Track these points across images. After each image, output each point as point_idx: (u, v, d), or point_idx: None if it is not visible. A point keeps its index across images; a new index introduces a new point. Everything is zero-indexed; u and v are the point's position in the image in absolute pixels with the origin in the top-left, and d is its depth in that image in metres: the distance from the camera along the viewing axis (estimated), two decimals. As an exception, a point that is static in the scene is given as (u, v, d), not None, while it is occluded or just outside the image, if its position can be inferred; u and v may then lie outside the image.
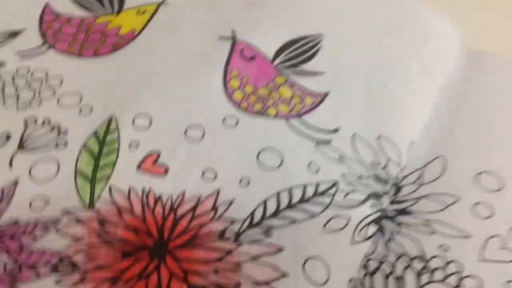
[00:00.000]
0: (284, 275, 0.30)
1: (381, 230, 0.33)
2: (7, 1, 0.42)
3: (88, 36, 0.40)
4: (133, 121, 0.35)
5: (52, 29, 0.40)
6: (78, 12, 0.41)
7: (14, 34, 0.39)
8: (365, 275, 0.31)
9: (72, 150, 0.34)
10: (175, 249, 0.31)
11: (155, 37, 0.40)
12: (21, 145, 0.34)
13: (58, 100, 0.36)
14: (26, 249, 0.30)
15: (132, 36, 0.40)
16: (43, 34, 0.40)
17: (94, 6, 0.42)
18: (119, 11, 0.42)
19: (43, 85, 0.37)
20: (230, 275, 0.30)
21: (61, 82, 0.37)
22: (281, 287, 0.30)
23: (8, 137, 0.34)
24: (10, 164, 0.33)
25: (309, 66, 0.39)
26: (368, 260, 0.31)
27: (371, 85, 0.37)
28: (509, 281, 0.30)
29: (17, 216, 0.31)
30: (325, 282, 0.30)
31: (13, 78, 0.37)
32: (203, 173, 0.33)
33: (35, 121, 0.35)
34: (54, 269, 0.29)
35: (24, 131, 0.35)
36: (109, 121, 0.35)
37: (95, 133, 0.35)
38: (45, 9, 0.41)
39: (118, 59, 0.38)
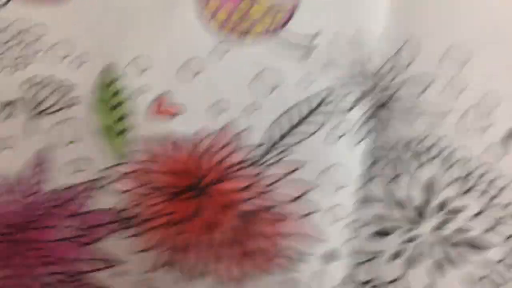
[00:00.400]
0: (312, 187, 0.35)
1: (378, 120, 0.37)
2: None
3: None
4: (132, 66, 0.36)
5: None
6: None
7: None
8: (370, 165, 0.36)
9: (85, 107, 0.36)
10: (212, 185, 0.35)
11: None
12: (31, 112, 0.35)
13: (44, 54, 0.36)
14: (83, 211, 0.34)
15: None
16: None
17: None
18: None
19: (24, 39, 0.36)
20: (266, 196, 0.35)
21: (42, 34, 0.36)
22: (314, 198, 0.35)
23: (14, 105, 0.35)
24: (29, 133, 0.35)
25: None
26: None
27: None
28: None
29: (62, 182, 0.35)
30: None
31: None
32: (210, 107, 0.36)
33: (38, 83, 0.36)
34: (120, 224, 0.34)
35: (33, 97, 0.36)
36: (109, 70, 0.36)
37: (100, 85, 0.36)
38: None
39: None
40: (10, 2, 0.37)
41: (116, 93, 0.36)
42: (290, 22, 0.37)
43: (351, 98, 0.36)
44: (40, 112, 0.35)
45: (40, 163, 0.34)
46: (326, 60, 0.36)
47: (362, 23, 0.37)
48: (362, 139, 0.37)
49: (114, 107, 0.36)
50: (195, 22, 0.37)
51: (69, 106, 0.36)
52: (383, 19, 0.37)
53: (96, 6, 0.37)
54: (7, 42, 0.36)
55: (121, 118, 0.36)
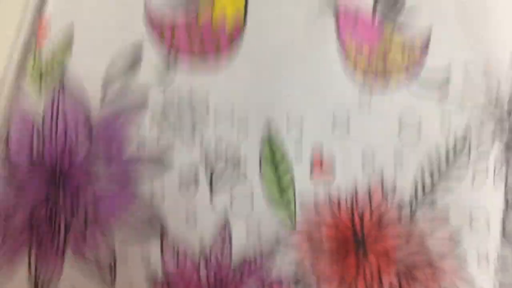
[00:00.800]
0: (459, 241, 0.38)
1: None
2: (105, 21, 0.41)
3: (203, 39, 0.40)
4: (288, 132, 0.39)
5: (166, 39, 0.40)
6: (173, 4, 0.41)
7: (136, 59, 0.40)
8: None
9: (253, 179, 0.39)
10: (373, 243, 0.38)
11: (261, 23, 0.40)
12: (212, 188, 0.39)
13: (215, 128, 0.39)
14: (266, 282, 0.38)
15: (240, 28, 0.40)
16: (160, 48, 0.40)
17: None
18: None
19: (194, 110, 0.39)
20: (422, 250, 0.38)
21: (208, 107, 0.39)
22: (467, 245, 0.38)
23: (197, 182, 0.39)
24: (212, 206, 0.39)
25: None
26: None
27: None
28: None
29: (242, 253, 0.38)
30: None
31: (166, 112, 0.39)
32: (363, 165, 0.39)
33: (212, 151, 0.39)
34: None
35: (212, 171, 0.39)
36: (270, 140, 0.39)
37: (263, 157, 0.39)
38: (147, 17, 0.41)
39: (240, 58, 0.40)
40: (177, 75, 0.40)
41: (278, 164, 0.39)
42: (425, 58, 0.39)
43: (488, 132, 0.38)
44: (218, 188, 0.39)
45: (224, 236, 0.37)
46: (462, 94, 0.38)
47: (491, 50, 0.39)
48: (506, 175, 0.38)
49: (278, 178, 0.39)
50: (341, 75, 0.39)
51: (240, 180, 0.39)
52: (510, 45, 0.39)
53: (250, 71, 0.40)
54: (179, 112, 0.39)
55: (287, 186, 0.39)
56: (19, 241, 0.37)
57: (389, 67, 0.39)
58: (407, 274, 0.38)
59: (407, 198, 0.38)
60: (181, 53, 0.40)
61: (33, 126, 0.39)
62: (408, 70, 0.39)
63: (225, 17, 0.40)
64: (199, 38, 0.40)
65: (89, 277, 0.37)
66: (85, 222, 0.37)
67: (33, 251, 0.37)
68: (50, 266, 0.37)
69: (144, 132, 0.39)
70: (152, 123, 0.39)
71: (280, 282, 0.37)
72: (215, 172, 0.39)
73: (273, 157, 0.39)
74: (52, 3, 0.41)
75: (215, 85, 0.39)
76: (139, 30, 0.40)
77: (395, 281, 0.38)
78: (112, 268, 0.37)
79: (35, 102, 0.39)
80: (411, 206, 0.38)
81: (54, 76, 0.40)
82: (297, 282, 0.37)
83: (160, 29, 0.40)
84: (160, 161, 0.39)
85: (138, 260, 0.37)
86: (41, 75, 0.40)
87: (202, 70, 0.40)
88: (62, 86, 0.39)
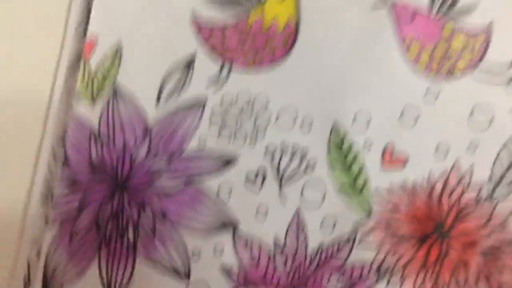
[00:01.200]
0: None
1: None
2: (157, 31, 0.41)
3: (255, 43, 0.40)
4: (355, 122, 0.38)
5: (217, 47, 0.41)
6: (221, 14, 0.41)
7: (189, 63, 0.40)
8: None
9: (322, 169, 0.38)
10: (453, 226, 0.37)
11: (315, 24, 0.41)
12: (280, 180, 0.38)
13: (277, 122, 0.39)
14: (345, 268, 0.36)
15: (293, 28, 0.40)
16: (212, 53, 0.40)
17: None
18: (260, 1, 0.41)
19: (254, 109, 0.39)
20: (503, 230, 0.37)
21: (267, 102, 0.39)
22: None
23: (263, 175, 0.38)
24: (282, 199, 0.38)
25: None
26: None
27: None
28: None
29: (318, 241, 0.37)
30: None
31: (224, 113, 0.39)
32: (435, 150, 0.38)
33: (277, 150, 0.38)
34: (378, 276, 0.36)
35: (278, 164, 0.38)
36: (336, 129, 0.39)
37: (331, 146, 0.38)
38: (194, 24, 0.41)
39: (297, 61, 0.40)
40: (231, 75, 0.39)
41: (348, 151, 0.38)
42: (488, 51, 0.39)
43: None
44: (287, 179, 0.38)
45: (298, 226, 0.36)
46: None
47: None
48: None
49: (350, 165, 0.38)
50: (403, 68, 0.39)
51: (309, 169, 0.38)
52: None
53: (310, 67, 0.40)
54: (239, 115, 0.38)
55: (358, 174, 0.37)
56: (87, 242, 0.36)
57: (451, 60, 0.39)
58: (491, 254, 0.36)
59: (484, 179, 0.37)
60: (235, 59, 0.40)
61: (90, 132, 0.38)
62: (470, 63, 0.39)
63: (277, 20, 0.41)
64: (252, 43, 0.40)
65: (163, 275, 0.36)
66: (153, 220, 0.36)
67: (103, 252, 0.35)
68: (121, 266, 0.35)
69: (204, 129, 0.38)
70: (211, 121, 0.39)
71: (360, 268, 0.35)
72: (282, 165, 0.38)
73: (341, 147, 0.38)
74: (97, 20, 0.41)
75: (272, 85, 0.40)
76: (190, 40, 0.41)
77: (481, 261, 0.36)
78: (186, 264, 0.35)
79: (89, 109, 0.39)
80: (489, 187, 0.37)
81: (106, 89, 0.40)
82: (379, 267, 0.35)
83: (211, 38, 0.41)
84: (222, 157, 0.37)
85: (211, 254, 0.36)
86: (92, 89, 0.40)
87: (258, 72, 0.40)
88: (115, 97, 0.39)
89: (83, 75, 0.40)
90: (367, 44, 0.40)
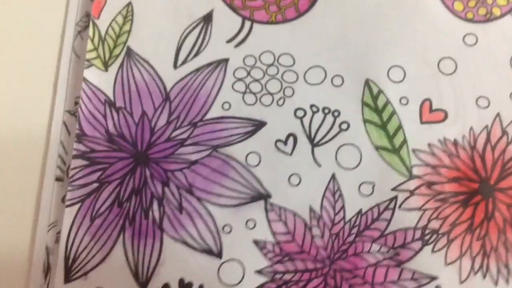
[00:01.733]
0: None
1: None
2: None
3: None
4: (389, 77, 0.36)
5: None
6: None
7: (207, 19, 0.38)
8: None
9: (357, 129, 0.36)
10: (497, 184, 0.35)
11: None
12: (313, 142, 0.36)
13: (305, 80, 0.36)
14: (388, 232, 0.34)
15: None
16: (232, 8, 0.38)
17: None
18: None
19: (279, 68, 0.37)
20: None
21: (293, 60, 0.37)
22: None
23: (295, 138, 0.35)
24: (315, 163, 0.35)
25: None
26: None
27: None
28: None
29: (356, 206, 0.35)
30: None
31: (248, 73, 0.37)
32: (476, 102, 0.35)
33: (307, 111, 0.36)
34: (423, 241, 0.33)
35: (309, 124, 0.36)
36: (369, 86, 0.36)
37: (365, 104, 0.36)
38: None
39: (322, 13, 0.37)
40: (253, 31, 0.37)
41: (384, 108, 0.35)
42: None
43: None
44: (320, 141, 0.35)
45: (334, 192, 0.33)
46: None
47: None
48: None
49: (386, 123, 0.35)
50: (439, 11, 0.37)
51: (343, 131, 0.35)
52: None
53: (336, 23, 0.37)
54: (264, 74, 0.35)
55: (395, 133, 0.35)
56: (109, 221, 0.33)
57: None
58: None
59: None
60: (256, 13, 0.38)
61: (104, 100, 0.35)
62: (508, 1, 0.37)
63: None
64: None
65: (193, 254, 0.34)
66: (179, 193, 0.33)
67: (127, 232, 0.33)
68: (148, 247, 0.33)
69: (227, 91, 0.36)
70: (234, 82, 0.36)
71: (404, 233, 0.33)
72: (313, 124, 0.35)
73: (375, 105, 0.36)
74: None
75: (296, 41, 0.37)
76: None
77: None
78: (216, 238, 0.33)
79: (102, 75, 0.35)
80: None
81: (118, 53, 0.37)
82: (423, 232, 0.32)
83: None
84: (249, 121, 0.35)
85: (243, 226, 0.34)
86: (104, 53, 0.37)
87: (280, 25, 0.37)
88: (128, 61, 0.36)
89: (93, 37, 0.37)
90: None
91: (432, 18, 0.36)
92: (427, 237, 0.33)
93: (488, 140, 0.35)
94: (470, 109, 0.35)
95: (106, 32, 0.37)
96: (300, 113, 0.35)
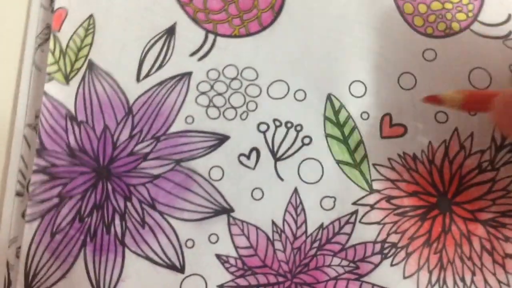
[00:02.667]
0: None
1: None
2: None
3: (239, 5, 0.38)
4: (350, 92, 0.36)
5: (199, 11, 0.38)
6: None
7: (171, 32, 0.38)
8: None
9: (319, 143, 0.36)
10: (455, 198, 0.35)
11: None
12: (275, 156, 0.36)
13: (268, 95, 0.36)
14: (349, 245, 0.34)
15: None
16: (195, 21, 0.38)
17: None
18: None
19: (243, 82, 0.37)
20: (506, 199, 0.35)
21: (257, 74, 0.37)
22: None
23: (258, 152, 0.36)
24: (277, 176, 0.36)
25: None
26: None
27: None
28: None
29: (317, 220, 0.35)
30: None
31: (212, 86, 0.37)
32: (435, 117, 0.36)
33: (270, 125, 0.36)
34: (382, 255, 0.34)
35: (272, 138, 0.36)
36: (331, 100, 0.36)
37: (327, 118, 0.36)
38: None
39: (285, 26, 0.38)
40: (216, 44, 0.37)
41: (343, 125, 0.36)
42: (482, 10, 0.38)
43: None
44: (282, 156, 0.35)
45: (296, 206, 0.34)
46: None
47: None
48: None
49: (346, 139, 0.36)
50: (401, 27, 0.37)
51: (304, 145, 0.36)
52: None
53: (298, 37, 0.37)
54: (228, 88, 0.36)
55: (356, 148, 0.36)
56: (70, 237, 0.33)
57: (449, 14, 0.38)
58: (495, 221, 0.35)
59: (486, 144, 0.35)
60: (219, 26, 0.38)
61: (66, 114, 0.34)
62: (467, 15, 0.37)
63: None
64: (237, 8, 0.38)
65: (156, 269, 0.34)
66: (142, 208, 0.33)
67: (88, 248, 0.33)
68: (110, 262, 0.33)
69: (190, 104, 0.36)
70: (197, 96, 0.36)
71: (363, 247, 0.33)
72: (276, 139, 0.36)
73: (337, 117, 0.36)
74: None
75: (259, 55, 0.37)
76: (170, 8, 0.38)
77: (484, 234, 0.35)
78: (179, 253, 0.33)
79: (63, 89, 0.35)
80: (491, 151, 0.35)
81: (79, 66, 0.37)
82: (382, 245, 0.33)
83: (193, 5, 0.38)
84: (213, 133, 0.36)
85: (206, 241, 0.34)
86: (65, 66, 0.37)
87: (243, 38, 0.37)
88: (90, 74, 0.36)
89: (54, 50, 0.36)
90: (360, 2, 0.37)
91: (393, 33, 0.37)
92: (386, 251, 0.34)
93: (446, 154, 0.35)
94: (429, 124, 0.36)
95: (67, 45, 0.36)
96: (263, 127, 0.35)
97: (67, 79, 0.35)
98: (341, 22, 0.37)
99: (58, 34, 0.36)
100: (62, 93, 0.35)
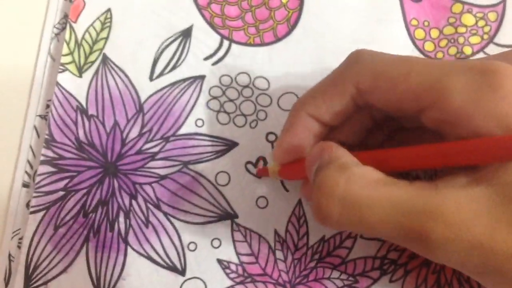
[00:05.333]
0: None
1: None
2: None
3: (256, 15, 0.38)
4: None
5: (216, 16, 0.38)
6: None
7: (187, 34, 0.38)
8: None
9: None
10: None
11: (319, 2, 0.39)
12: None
13: (278, 105, 0.37)
14: (349, 259, 0.35)
15: (297, 4, 0.39)
16: (212, 25, 0.38)
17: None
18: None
19: (254, 91, 0.37)
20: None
21: (268, 84, 0.37)
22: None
23: (264, 161, 0.36)
24: (284, 188, 0.36)
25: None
26: None
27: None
28: None
29: (320, 233, 0.35)
30: None
31: (223, 92, 0.37)
32: None
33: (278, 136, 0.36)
34: (382, 271, 0.35)
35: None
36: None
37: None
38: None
39: (300, 40, 0.38)
40: (231, 50, 0.37)
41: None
42: (499, 32, 0.39)
43: None
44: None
45: (299, 217, 0.34)
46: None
47: None
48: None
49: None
50: (410, 50, 0.38)
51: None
52: None
53: (312, 48, 0.38)
54: (239, 94, 0.36)
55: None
56: (73, 231, 0.33)
57: (461, 38, 0.38)
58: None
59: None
60: (235, 33, 0.38)
61: (76, 107, 0.34)
62: (482, 36, 0.38)
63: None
64: (253, 17, 0.38)
65: (157, 270, 0.34)
66: (146, 207, 0.33)
67: (91, 243, 0.33)
68: (111, 259, 0.33)
69: (201, 108, 0.36)
70: (209, 100, 0.36)
71: (363, 262, 0.34)
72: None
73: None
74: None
75: (272, 62, 0.38)
76: (188, 9, 0.38)
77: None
78: (181, 255, 0.33)
79: (76, 81, 0.35)
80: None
81: (93, 59, 0.37)
82: (382, 261, 0.34)
83: (210, 10, 0.38)
84: (222, 138, 0.36)
85: (208, 245, 0.34)
86: (79, 57, 0.36)
87: (258, 47, 0.38)
88: (104, 69, 0.36)
89: (69, 41, 0.36)
90: (373, 25, 0.38)
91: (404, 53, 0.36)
92: (385, 267, 0.34)
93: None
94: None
95: (83, 37, 0.36)
96: (271, 137, 0.35)
97: (80, 71, 0.35)
98: (354, 42, 0.37)
99: (74, 25, 0.36)
100: (74, 85, 0.35)
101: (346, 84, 0.28)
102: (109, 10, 0.37)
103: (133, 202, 0.33)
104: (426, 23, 0.38)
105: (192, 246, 0.34)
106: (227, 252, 0.34)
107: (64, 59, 0.36)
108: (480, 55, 0.37)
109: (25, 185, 0.34)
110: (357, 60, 0.28)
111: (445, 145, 0.25)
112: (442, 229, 0.23)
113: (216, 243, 0.34)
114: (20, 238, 0.33)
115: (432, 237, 0.23)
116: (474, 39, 0.37)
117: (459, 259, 0.24)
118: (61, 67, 0.35)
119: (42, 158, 0.34)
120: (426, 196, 0.24)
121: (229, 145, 0.35)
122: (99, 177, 0.34)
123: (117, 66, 0.36)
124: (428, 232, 0.23)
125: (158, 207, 0.34)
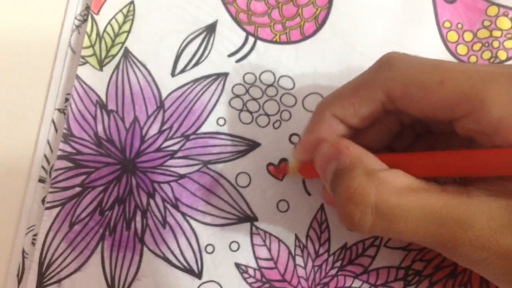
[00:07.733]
0: None
1: None
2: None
3: (283, 11, 0.37)
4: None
5: (242, 12, 0.37)
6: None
7: (211, 29, 0.37)
8: None
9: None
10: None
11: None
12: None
13: (303, 106, 0.35)
14: (372, 268, 0.34)
15: (326, 1, 0.37)
16: (237, 21, 0.37)
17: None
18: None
19: (279, 90, 0.36)
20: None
21: (294, 83, 0.36)
22: None
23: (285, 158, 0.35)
24: (307, 192, 0.35)
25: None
26: None
27: None
28: None
29: (343, 241, 0.34)
30: None
31: (247, 90, 0.36)
32: None
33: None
34: (406, 282, 0.33)
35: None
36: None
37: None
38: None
39: (328, 39, 0.37)
40: (252, 53, 0.36)
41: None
42: None
43: None
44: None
45: (321, 223, 0.33)
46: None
47: None
48: None
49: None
50: (442, 53, 0.37)
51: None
52: None
53: (339, 49, 0.37)
54: (263, 94, 0.35)
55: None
56: (89, 229, 0.32)
57: (496, 42, 0.37)
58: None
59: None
60: (261, 29, 0.37)
61: (96, 101, 0.33)
62: None
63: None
64: (280, 14, 0.37)
65: (173, 271, 0.33)
66: (164, 206, 0.32)
67: (106, 242, 0.32)
68: (127, 259, 0.32)
69: (224, 105, 0.35)
70: (232, 98, 0.35)
71: (387, 272, 0.33)
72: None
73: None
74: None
75: (298, 61, 0.36)
76: (213, 4, 0.37)
77: None
78: (198, 257, 0.32)
79: (96, 74, 0.34)
80: None
81: (115, 52, 0.36)
82: (406, 272, 0.32)
83: (236, 5, 0.37)
84: (244, 138, 0.35)
85: (226, 248, 0.33)
86: (100, 50, 0.36)
87: (284, 45, 0.37)
88: (125, 63, 0.35)
89: (91, 33, 0.35)
90: (404, 27, 0.37)
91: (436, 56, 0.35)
92: (409, 278, 0.33)
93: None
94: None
95: (105, 29, 0.35)
96: (295, 139, 0.34)
97: (101, 64, 0.34)
98: (384, 43, 0.36)
99: (96, 17, 0.35)
100: (95, 78, 0.34)
101: (377, 90, 0.26)
102: (132, 2, 0.35)
103: (151, 201, 0.32)
104: (459, 26, 0.36)
105: (209, 249, 0.32)
106: (246, 256, 0.33)
107: (84, 52, 0.35)
108: (516, 61, 0.35)
109: (41, 180, 0.33)
110: (389, 65, 0.26)
111: (480, 153, 0.24)
112: (473, 238, 0.23)
113: (234, 246, 0.33)
114: (35, 235, 0.32)
115: (461, 245, 0.24)
116: (510, 44, 0.36)
117: (487, 267, 0.24)
118: (81, 59, 0.34)
119: (59, 153, 0.33)
120: (458, 205, 0.24)
121: (251, 145, 0.34)
122: (116, 174, 0.33)
123: (138, 61, 0.34)
124: (458, 240, 0.24)
125: (176, 207, 0.32)
